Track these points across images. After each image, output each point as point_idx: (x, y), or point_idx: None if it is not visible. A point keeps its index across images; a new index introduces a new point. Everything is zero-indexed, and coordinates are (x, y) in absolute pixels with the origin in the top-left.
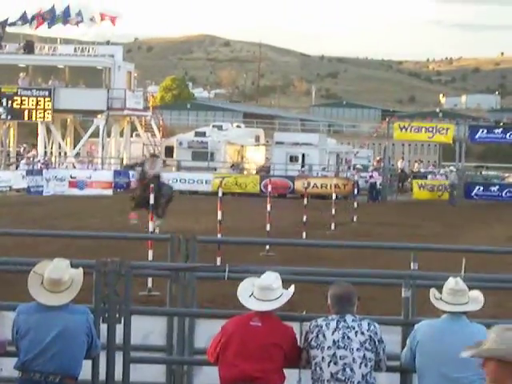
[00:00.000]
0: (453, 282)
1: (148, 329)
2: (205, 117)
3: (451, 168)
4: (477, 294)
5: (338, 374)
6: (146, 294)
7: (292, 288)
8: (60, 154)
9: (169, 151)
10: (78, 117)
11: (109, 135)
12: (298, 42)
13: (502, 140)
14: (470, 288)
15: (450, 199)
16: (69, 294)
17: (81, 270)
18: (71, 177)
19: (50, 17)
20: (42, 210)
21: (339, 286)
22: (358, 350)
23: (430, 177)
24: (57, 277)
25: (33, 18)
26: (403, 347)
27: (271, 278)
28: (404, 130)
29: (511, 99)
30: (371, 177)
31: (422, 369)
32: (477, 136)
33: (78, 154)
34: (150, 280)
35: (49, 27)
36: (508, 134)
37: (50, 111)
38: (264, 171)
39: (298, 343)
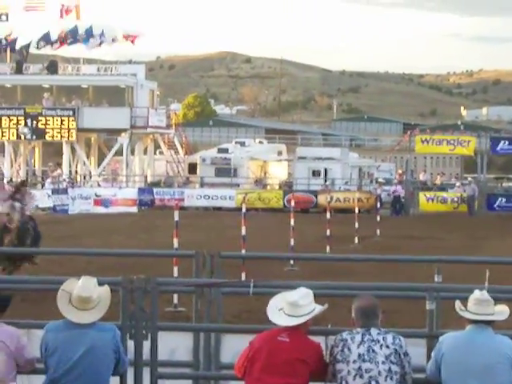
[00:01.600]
0: (478, 293)
1: (174, 344)
2: (227, 133)
3: (469, 179)
4: (502, 308)
5: None
6: (172, 310)
7: (325, 306)
8: (85, 172)
9: (192, 168)
10: (101, 135)
11: (132, 153)
12: (318, 57)
13: None
14: (494, 299)
15: (468, 211)
16: (97, 311)
17: (108, 287)
18: (96, 195)
19: (72, 37)
20: (67, 228)
21: (363, 299)
22: (383, 363)
23: (449, 189)
24: (86, 295)
25: (56, 40)
26: (428, 360)
27: (300, 294)
28: (426, 142)
29: None
30: (395, 191)
31: (447, 381)
32: (498, 148)
33: (102, 173)
34: (175, 296)
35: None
36: None
37: (74, 130)
38: (287, 186)
39: (325, 358)
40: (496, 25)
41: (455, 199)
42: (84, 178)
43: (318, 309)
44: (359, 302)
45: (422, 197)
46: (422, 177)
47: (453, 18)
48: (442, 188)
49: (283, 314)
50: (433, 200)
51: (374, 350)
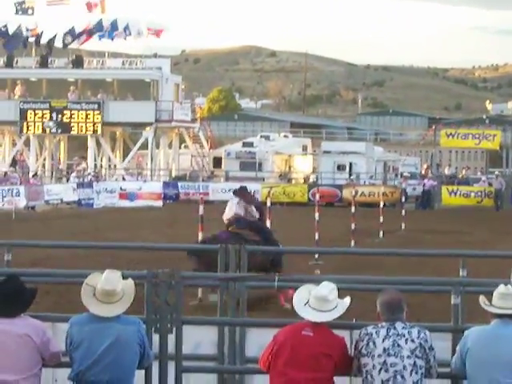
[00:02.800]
0: (503, 287)
1: (199, 338)
2: (252, 127)
3: (496, 173)
4: None
5: (389, 382)
6: (197, 303)
7: (348, 299)
8: (110, 166)
9: (217, 162)
10: (126, 129)
11: (157, 147)
12: (343, 51)
13: None
14: None
15: (495, 205)
16: (122, 304)
17: (132, 281)
18: (121, 189)
19: (97, 31)
20: (92, 222)
21: (388, 293)
22: (408, 357)
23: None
24: (110, 288)
25: (81, 33)
26: (453, 354)
27: (328, 289)
28: (451, 136)
29: None
30: (424, 184)
31: (472, 375)
32: None
33: (127, 167)
34: (199, 290)
35: (99, 39)
36: None
37: (99, 124)
38: (312, 180)
39: (349, 352)
40: None
41: (479, 193)
42: (109, 171)
43: (345, 304)
44: (384, 296)
45: (445, 191)
46: (446, 171)
47: (478, 11)
48: (466, 182)
49: (309, 308)
50: (455, 194)
51: (399, 345)
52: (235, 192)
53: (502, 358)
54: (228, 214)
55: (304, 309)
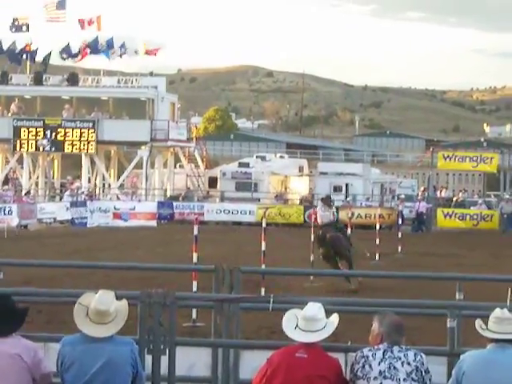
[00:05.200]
0: (499, 311)
1: (193, 360)
2: (248, 147)
3: (507, 196)
4: None
5: None
6: (191, 325)
7: (336, 317)
8: (104, 185)
9: (212, 182)
10: (121, 148)
11: (152, 166)
12: (341, 71)
13: None
14: None
15: (502, 228)
16: (114, 325)
17: (125, 301)
18: (115, 208)
19: (93, 49)
20: (86, 241)
21: (391, 315)
22: (404, 380)
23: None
24: (103, 308)
25: (77, 53)
26: (449, 378)
27: (315, 309)
28: (448, 159)
29: None
30: (418, 207)
31: None
32: None
33: (121, 186)
34: (194, 311)
35: (92, 54)
36: None
37: (93, 143)
38: (308, 201)
39: (344, 374)
40: None
41: (475, 216)
42: (103, 190)
43: (334, 323)
44: (389, 318)
45: (440, 213)
46: (442, 193)
47: (477, 33)
48: (462, 205)
49: (299, 330)
50: (451, 216)
51: (395, 367)
52: (322, 199)
53: (498, 383)
54: (321, 219)
55: (294, 332)
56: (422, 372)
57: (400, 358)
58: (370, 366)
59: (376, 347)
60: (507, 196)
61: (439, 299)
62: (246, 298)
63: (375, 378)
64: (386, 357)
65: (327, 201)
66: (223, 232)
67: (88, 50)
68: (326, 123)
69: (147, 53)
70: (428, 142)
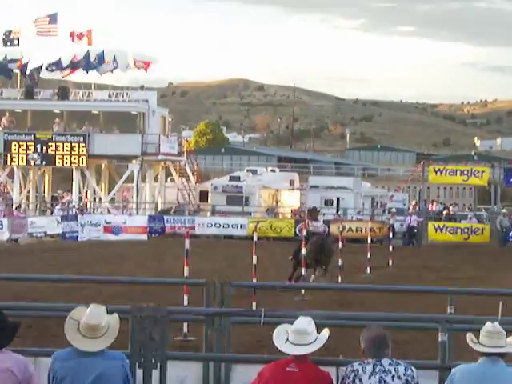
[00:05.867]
0: (490, 325)
1: (184, 374)
2: (239, 161)
3: (504, 211)
4: None
5: None
6: (182, 339)
7: (326, 332)
8: (95, 199)
9: (203, 196)
10: (112, 162)
11: (143, 180)
12: (331, 85)
13: None
14: (507, 331)
15: (500, 241)
16: (106, 339)
17: (116, 315)
18: (106, 222)
19: (84, 63)
20: (76, 255)
21: (372, 329)
22: None
23: (462, 220)
24: (94, 322)
25: (68, 65)
26: None
27: (305, 322)
28: (439, 173)
29: None
30: (410, 220)
31: None
32: None
33: (112, 200)
34: (185, 325)
35: (86, 71)
36: None
37: (84, 157)
38: (299, 215)
39: None
40: (511, 55)
41: (465, 230)
42: (94, 204)
43: (323, 338)
44: (369, 333)
45: (431, 227)
46: (433, 207)
47: (467, 47)
48: (453, 218)
49: (289, 344)
50: (442, 230)
51: (385, 381)
52: (309, 211)
53: None
54: (314, 229)
55: (285, 345)
56: None
57: (390, 372)
58: (361, 380)
59: (366, 361)
60: (504, 210)
61: (430, 313)
62: (237, 312)
63: None
64: (376, 370)
65: (314, 212)
66: (214, 246)
67: (79, 65)
68: (316, 137)
69: (138, 67)
70: (419, 155)
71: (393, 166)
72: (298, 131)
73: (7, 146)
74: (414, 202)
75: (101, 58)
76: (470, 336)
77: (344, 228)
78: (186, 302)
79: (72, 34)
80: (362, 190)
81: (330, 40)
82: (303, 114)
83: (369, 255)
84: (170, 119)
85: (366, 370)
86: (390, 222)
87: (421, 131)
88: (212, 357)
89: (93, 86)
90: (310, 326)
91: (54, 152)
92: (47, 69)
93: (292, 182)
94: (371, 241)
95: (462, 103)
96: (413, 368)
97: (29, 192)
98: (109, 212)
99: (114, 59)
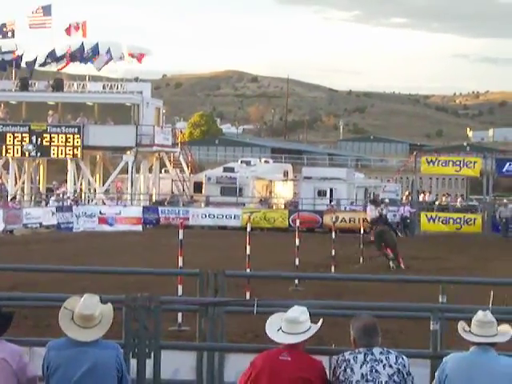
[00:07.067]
0: (481, 314)
1: (178, 363)
2: (233, 152)
3: (505, 201)
4: (506, 328)
5: None
6: (176, 328)
7: (320, 322)
8: (89, 190)
9: (198, 187)
10: (107, 153)
11: (138, 171)
12: (325, 76)
13: None
14: (498, 320)
15: (503, 232)
16: (100, 329)
17: (110, 305)
18: (101, 213)
19: (79, 55)
20: (71, 246)
21: (362, 318)
22: (386, 382)
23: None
24: (88, 312)
25: (62, 56)
26: (432, 380)
27: (298, 312)
28: (431, 163)
29: None
30: (403, 210)
31: None
32: (504, 169)
33: (107, 191)
34: (179, 315)
35: (84, 64)
36: None
37: (79, 148)
38: (292, 206)
39: (328, 377)
40: (503, 46)
41: (458, 220)
42: (88, 195)
43: (317, 326)
44: (359, 322)
45: (424, 217)
46: (425, 197)
47: (459, 39)
48: (445, 208)
49: (282, 333)
50: (434, 220)
51: (377, 370)
52: (370, 201)
53: None
54: (370, 216)
55: (277, 334)
56: (403, 374)
57: (382, 361)
58: (352, 369)
59: (357, 350)
60: (505, 200)
61: (422, 302)
62: (231, 302)
63: (357, 382)
64: (368, 360)
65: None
66: (208, 236)
67: (73, 57)
68: (310, 128)
69: (132, 58)
70: (412, 146)
71: (386, 156)
72: (291, 122)
73: (2, 137)
74: (406, 193)
75: (95, 50)
76: (461, 324)
77: (337, 218)
78: (180, 292)
79: (66, 27)
80: (355, 181)
81: (324, 31)
82: (297, 105)
83: (361, 245)
84: (164, 111)
85: (357, 359)
86: (383, 212)
87: (413, 122)
88: (206, 346)
89: (87, 78)
90: (302, 315)
91: (48, 143)
92: (44, 63)
93: (285, 173)
94: (364, 231)
95: (455, 94)
96: (404, 357)
97: (24, 183)
98: (103, 203)
99: (108, 51)
